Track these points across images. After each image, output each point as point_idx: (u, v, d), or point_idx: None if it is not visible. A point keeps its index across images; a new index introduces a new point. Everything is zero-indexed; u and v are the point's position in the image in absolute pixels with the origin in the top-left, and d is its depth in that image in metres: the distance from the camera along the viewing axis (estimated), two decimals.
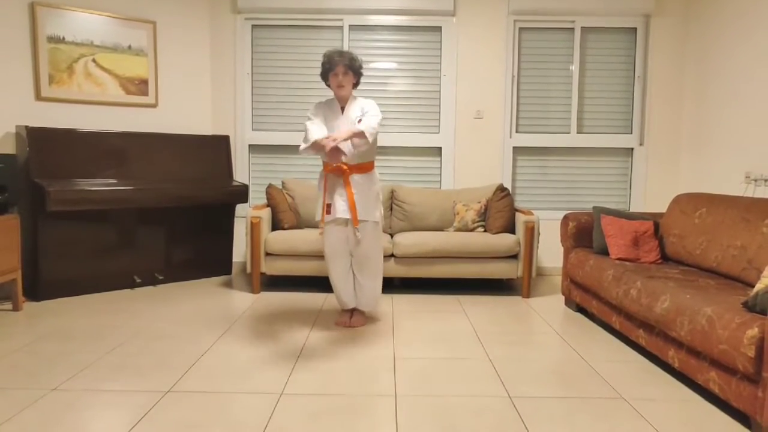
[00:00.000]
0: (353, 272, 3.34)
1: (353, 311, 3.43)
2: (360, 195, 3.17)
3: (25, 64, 3.95)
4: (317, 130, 3.07)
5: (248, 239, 4.06)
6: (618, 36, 4.88)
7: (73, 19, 4.11)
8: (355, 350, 2.97)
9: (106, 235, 4.08)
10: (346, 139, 2.99)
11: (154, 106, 4.53)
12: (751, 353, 2.06)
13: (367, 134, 3.01)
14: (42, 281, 3.81)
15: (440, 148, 4.94)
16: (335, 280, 3.35)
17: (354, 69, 3.19)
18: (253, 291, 4.13)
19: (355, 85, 3.26)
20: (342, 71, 3.14)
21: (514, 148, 4.94)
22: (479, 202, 4.48)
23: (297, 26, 4.86)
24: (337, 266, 3.31)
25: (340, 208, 3.17)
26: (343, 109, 3.22)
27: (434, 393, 2.44)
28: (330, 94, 3.30)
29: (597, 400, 2.40)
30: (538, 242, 4.17)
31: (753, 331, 2.07)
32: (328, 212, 3.19)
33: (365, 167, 3.22)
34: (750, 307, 2.24)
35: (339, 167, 3.13)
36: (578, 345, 3.11)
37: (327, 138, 2.97)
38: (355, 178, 3.18)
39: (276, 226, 4.35)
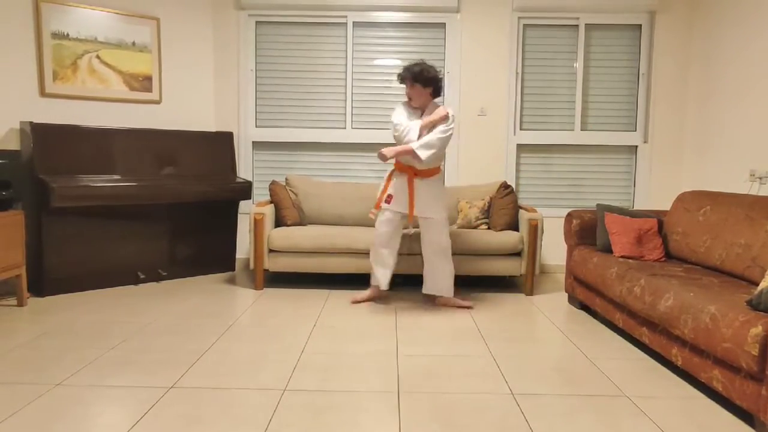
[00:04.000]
0: (424, 259, 3.76)
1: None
2: (423, 196, 3.58)
3: (29, 60, 3.96)
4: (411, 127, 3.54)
5: (251, 236, 4.07)
6: (622, 33, 4.86)
7: (77, 15, 4.12)
8: (357, 346, 2.97)
9: (109, 231, 4.09)
10: (398, 153, 3.48)
11: (157, 102, 4.53)
12: (755, 351, 2.05)
13: (420, 155, 3.41)
14: (46, 277, 3.82)
15: None
16: (375, 262, 3.77)
17: (422, 81, 3.50)
18: (256, 287, 4.14)
19: (434, 93, 3.60)
20: (409, 85, 3.53)
21: (517, 145, 4.93)
22: (482, 200, 4.47)
23: (301, 23, 4.86)
24: (382, 249, 3.72)
25: (401, 203, 3.61)
26: (421, 114, 3.62)
27: (437, 390, 2.44)
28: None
29: (600, 397, 2.40)
30: (541, 239, 4.16)
31: (757, 329, 2.06)
32: (388, 202, 3.61)
33: (430, 172, 3.61)
34: (754, 305, 2.24)
35: (407, 168, 3.60)
36: (581, 342, 3.11)
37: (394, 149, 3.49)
38: (418, 182, 3.58)
39: (279, 222, 4.35)
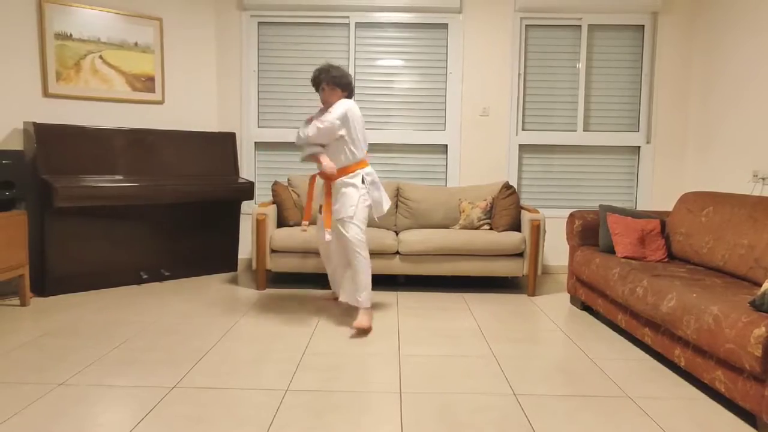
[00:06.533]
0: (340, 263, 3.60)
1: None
2: (337, 196, 3.36)
3: (33, 61, 3.97)
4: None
5: (254, 236, 4.07)
6: (625, 33, 4.86)
7: (81, 16, 4.13)
8: (359, 347, 2.97)
9: (112, 231, 4.10)
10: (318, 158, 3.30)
11: (160, 102, 4.54)
12: (758, 352, 2.05)
13: (310, 132, 3.26)
14: (49, 277, 3.83)
15: (446, 145, 4.94)
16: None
17: (338, 83, 3.31)
18: (258, 287, 4.14)
19: (349, 96, 3.38)
20: (327, 87, 3.32)
21: (520, 145, 4.93)
22: (485, 200, 4.47)
23: (303, 23, 4.86)
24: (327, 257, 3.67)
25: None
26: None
27: (439, 390, 2.44)
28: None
29: (602, 398, 2.39)
30: (543, 240, 4.16)
31: (760, 330, 2.06)
32: (321, 211, 3.48)
33: (343, 172, 3.35)
34: (757, 306, 2.23)
35: (324, 174, 3.38)
36: (583, 343, 3.11)
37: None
38: (336, 184, 3.37)
39: (281, 223, 4.35)
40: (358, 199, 3.31)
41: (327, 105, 3.34)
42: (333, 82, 3.30)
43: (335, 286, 3.71)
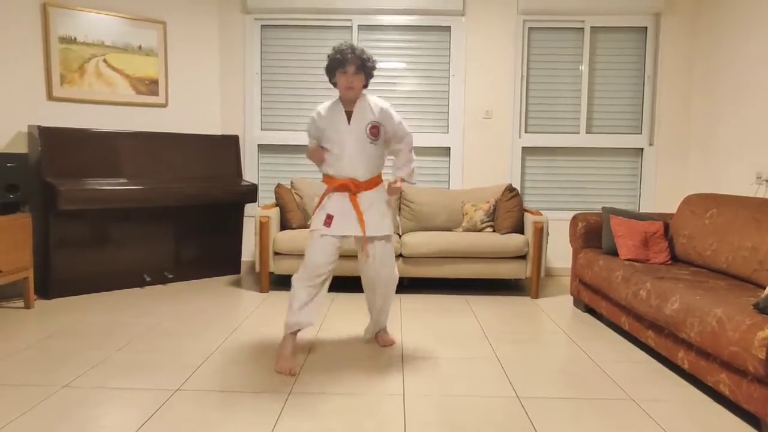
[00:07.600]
0: (365, 290, 3.00)
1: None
2: (369, 212, 2.77)
3: (37, 64, 3.99)
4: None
5: (257, 238, 4.08)
6: (628, 35, 4.86)
7: (85, 20, 4.15)
8: (362, 349, 2.97)
9: (116, 233, 4.11)
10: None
11: (164, 105, 4.56)
12: (762, 355, 2.04)
13: (413, 177, 2.90)
14: (53, 279, 3.84)
15: (449, 148, 4.94)
16: (302, 292, 2.75)
17: (366, 70, 2.74)
18: (261, 290, 4.15)
19: (365, 86, 2.80)
20: (353, 70, 2.69)
21: (522, 148, 4.93)
22: (488, 202, 4.47)
23: (306, 26, 4.88)
24: (315, 279, 2.75)
25: (342, 225, 2.74)
26: (349, 116, 2.76)
27: (442, 392, 2.44)
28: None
29: (605, 400, 2.39)
30: (546, 242, 4.16)
31: (764, 333, 2.05)
32: (328, 224, 2.72)
33: (372, 183, 2.82)
34: (761, 308, 2.23)
35: (346, 185, 2.75)
36: (587, 345, 3.10)
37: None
38: (362, 197, 2.78)
39: (284, 225, 4.36)
40: (388, 212, 2.87)
41: (349, 90, 2.72)
42: (362, 65, 2.71)
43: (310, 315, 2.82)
